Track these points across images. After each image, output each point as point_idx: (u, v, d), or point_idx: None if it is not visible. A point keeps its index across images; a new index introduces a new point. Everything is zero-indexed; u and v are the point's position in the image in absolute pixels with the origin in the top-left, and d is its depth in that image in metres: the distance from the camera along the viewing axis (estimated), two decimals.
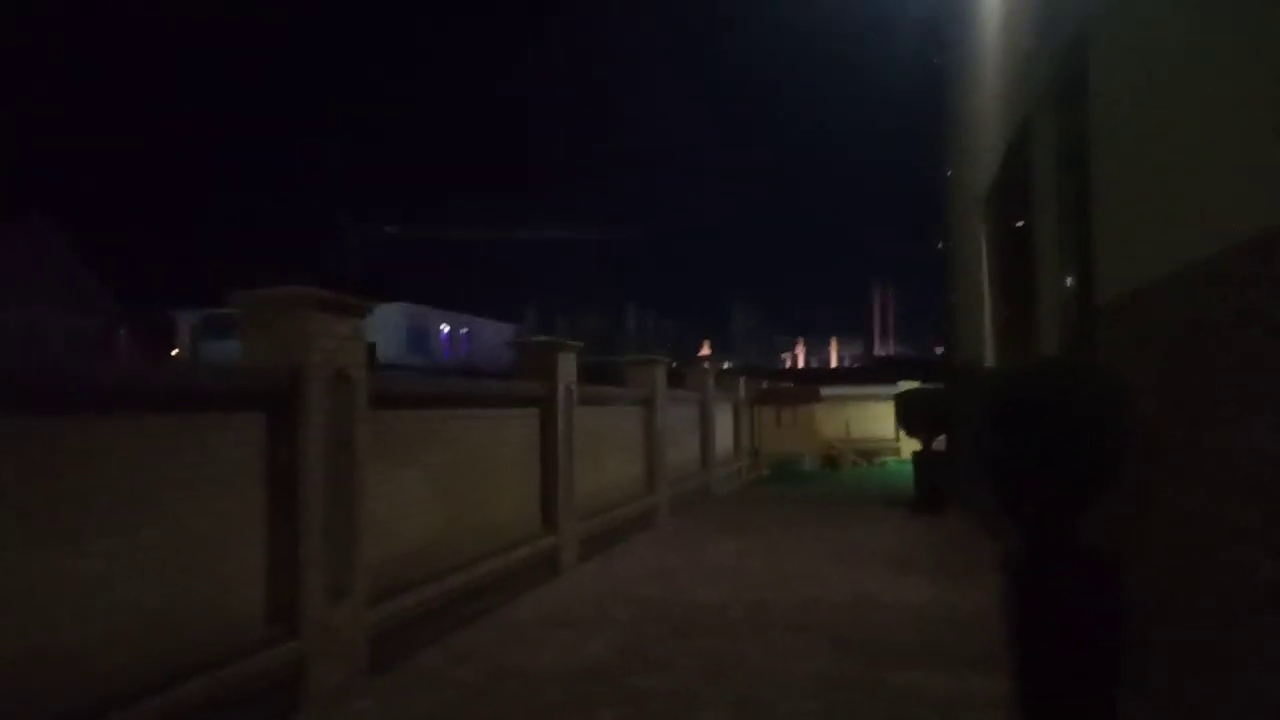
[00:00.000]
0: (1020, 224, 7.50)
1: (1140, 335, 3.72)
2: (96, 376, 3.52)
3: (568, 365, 8.22)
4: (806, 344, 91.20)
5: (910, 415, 12.53)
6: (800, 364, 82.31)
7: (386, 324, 42.62)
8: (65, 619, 3.23)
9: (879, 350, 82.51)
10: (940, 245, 14.63)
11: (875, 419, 20.25)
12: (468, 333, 54.49)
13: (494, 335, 51.47)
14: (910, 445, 13.20)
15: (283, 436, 4.44)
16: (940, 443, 12.34)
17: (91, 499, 3.37)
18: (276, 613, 4.36)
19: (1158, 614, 3.49)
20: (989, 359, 9.37)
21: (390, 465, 5.42)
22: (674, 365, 14.10)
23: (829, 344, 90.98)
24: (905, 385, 16.55)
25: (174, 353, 42.46)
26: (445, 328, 52.44)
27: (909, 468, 12.68)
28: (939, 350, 20.98)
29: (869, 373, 41.30)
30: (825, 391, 20.44)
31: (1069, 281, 5.62)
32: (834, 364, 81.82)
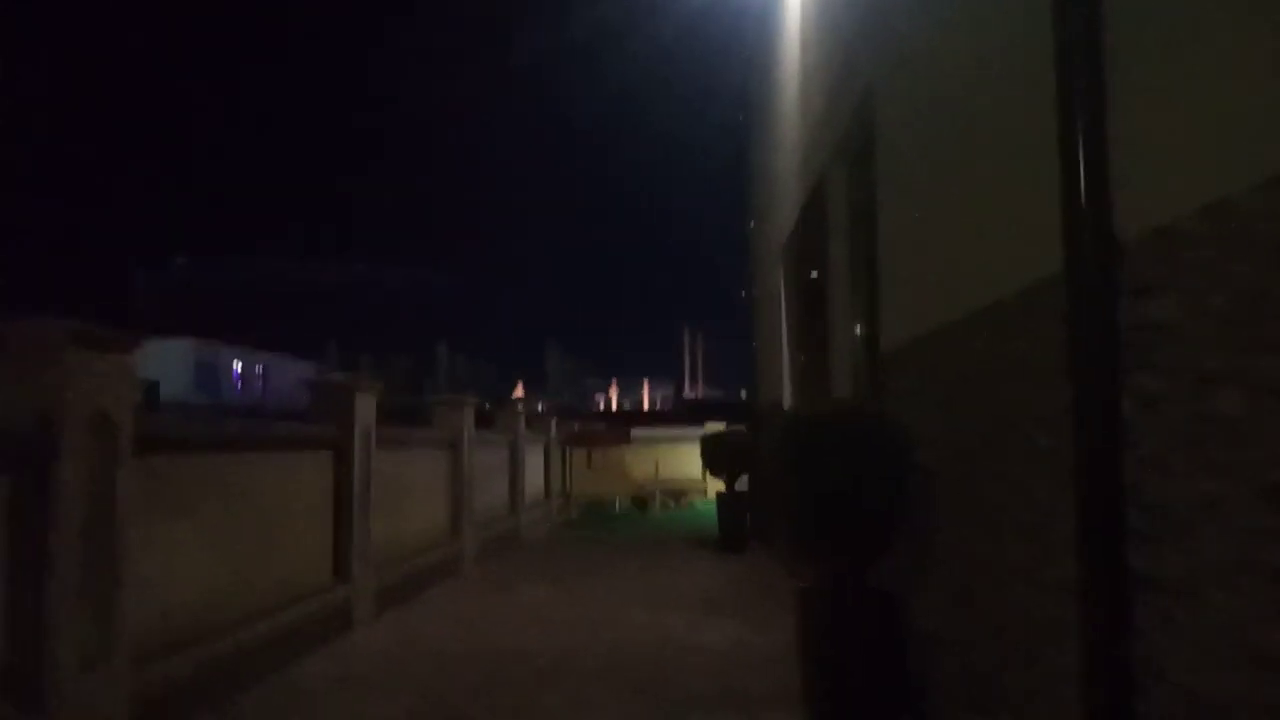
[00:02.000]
0: (815, 275, 7.88)
1: (920, 383, 3.94)
2: None
3: (366, 406, 7.84)
4: (620, 385, 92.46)
5: (714, 456, 12.85)
6: (614, 405, 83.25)
7: (172, 360, 39.70)
8: None
9: (689, 393, 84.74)
10: (744, 293, 15.22)
11: (683, 460, 20.64)
12: (263, 370, 51.54)
13: (293, 373, 48.93)
14: (716, 485, 13.52)
15: (29, 487, 3.92)
16: (743, 483, 12.71)
17: None
18: (13, 686, 3.81)
19: (942, 650, 3.65)
20: (787, 402, 9.76)
21: (161, 515, 4.92)
22: (485, 406, 13.84)
23: (641, 385, 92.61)
24: (711, 427, 16.98)
25: None
26: (238, 365, 49.37)
27: (714, 508, 12.97)
28: (744, 394, 21.75)
29: (678, 414, 42.27)
30: (636, 433, 20.68)
31: (858, 329, 5.93)
32: (645, 406, 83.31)
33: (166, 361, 37.45)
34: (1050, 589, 2.59)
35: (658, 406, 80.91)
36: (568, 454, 18.78)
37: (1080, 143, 2.25)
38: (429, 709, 5.11)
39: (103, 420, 4.30)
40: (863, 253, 5.61)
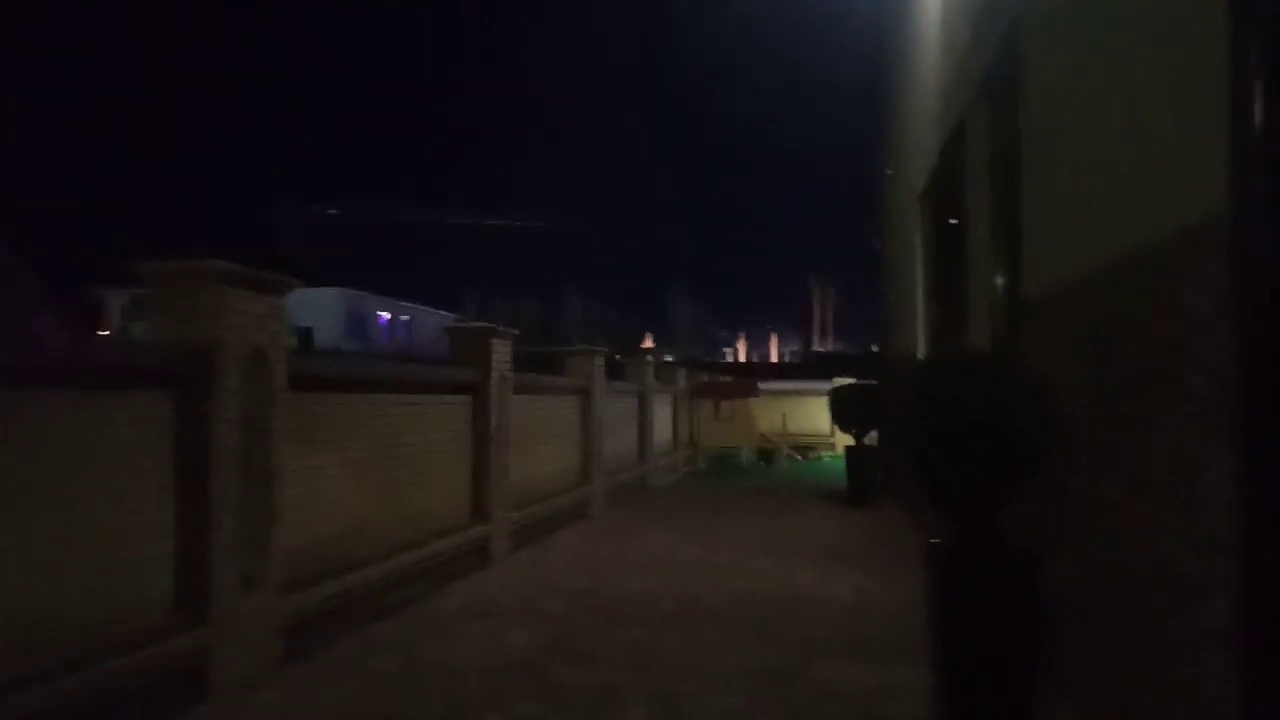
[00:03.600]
0: (954, 221, 7.58)
1: (1064, 329, 3.75)
2: None
3: (502, 352, 8.08)
4: (748, 338, 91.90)
5: (843, 410, 12.65)
6: (741, 358, 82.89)
7: (325, 309, 41.87)
8: None
9: (817, 346, 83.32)
10: (877, 243, 14.78)
11: (811, 414, 20.40)
12: (408, 320, 53.75)
13: (434, 323, 50.80)
14: (845, 440, 13.34)
15: (193, 418, 4.24)
16: (873, 438, 12.48)
17: None
18: (183, 601, 4.18)
19: (1078, 606, 3.52)
20: (920, 354, 9.48)
21: (312, 449, 5.24)
22: (614, 356, 14.04)
23: (770, 339, 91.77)
24: (840, 381, 16.70)
25: (103, 333, 41.08)
26: (385, 314, 51.64)
27: (843, 462, 12.81)
28: (875, 347, 21.24)
29: (807, 368, 41.75)
30: (763, 386, 20.53)
31: (999, 278, 5.68)
32: (774, 359, 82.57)
33: (320, 309, 39.57)
34: (1199, 544, 2.44)
35: (786, 359, 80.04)
36: (695, 405, 18.85)
37: (1255, 70, 2.05)
38: (559, 642, 5.30)
39: (258, 357, 4.60)
40: (1006, 196, 5.35)
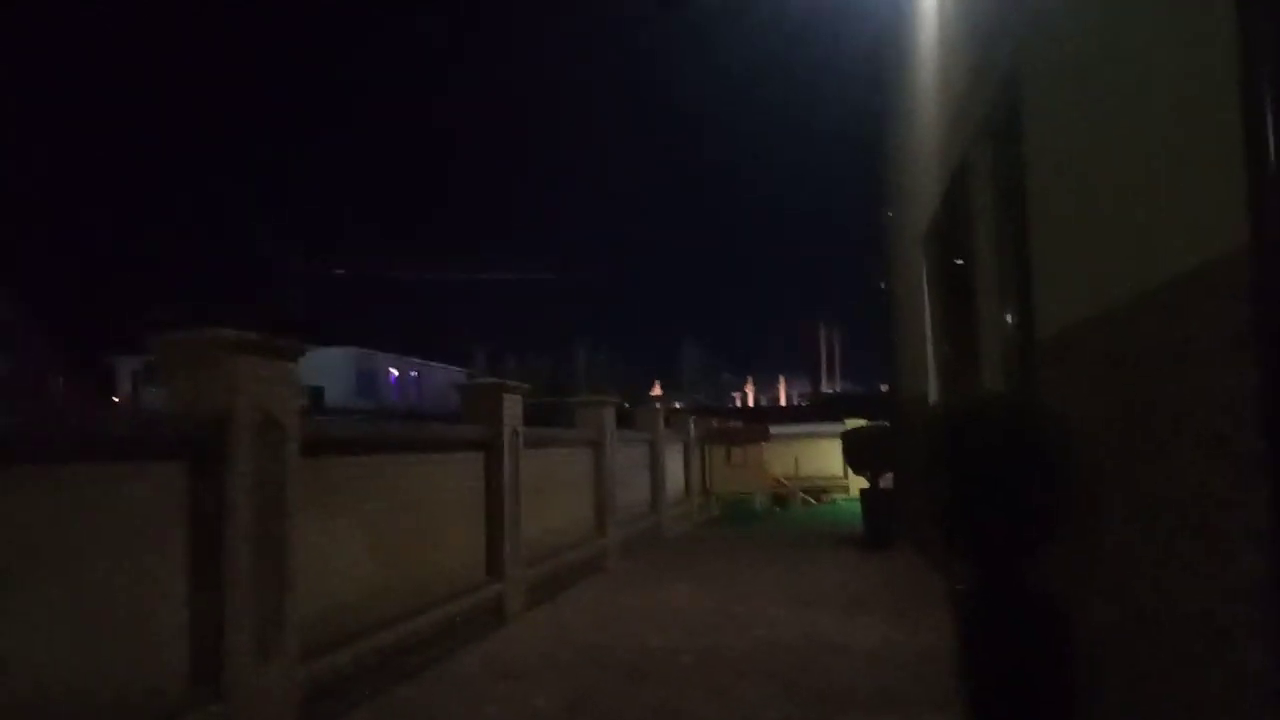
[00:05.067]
0: (959, 261, 7.59)
1: (1080, 370, 3.72)
2: None
3: (513, 407, 8.07)
4: (755, 382, 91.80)
5: (856, 452, 12.56)
6: (750, 402, 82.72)
7: (335, 368, 42.01)
8: None
9: (826, 387, 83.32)
10: (882, 284, 14.81)
11: (824, 456, 20.29)
12: (417, 376, 53.88)
13: (443, 378, 50.96)
14: (858, 482, 13.23)
15: (207, 487, 4.22)
16: (888, 480, 12.37)
17: None
18: (200, 674, 4.12)
19: (1109, 653, 3.44)
20: (932, 396, 9.44)
21: (325, 514, 5.21)
22: (624, 405, 14.00)
23: (777, 382, 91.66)
24: (852, 422, 16.62)
25: (114, 399, 41.20)
26: (394, 371, 51.79)
27: (857, 505, 12.68)
28: (884, 387, 21.19)
29: (816, 410, 41.62)
30: (774, 430, 20.44)
31: (1009, 318, 5.67)
32: (783, 402, 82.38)
33: (330, 368, 39.67)
34: (1231, 587, 2.39)
35: (794, 402, 79.86)
36: (707, 452, 18.76)
37: (1269, 103, 2.05)
38: (582, 701, 5.20)
39: (270, 423, 4.59)
40: (1012, 236, 5.36)
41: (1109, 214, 3.33)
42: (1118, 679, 3.40)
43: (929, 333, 9.62)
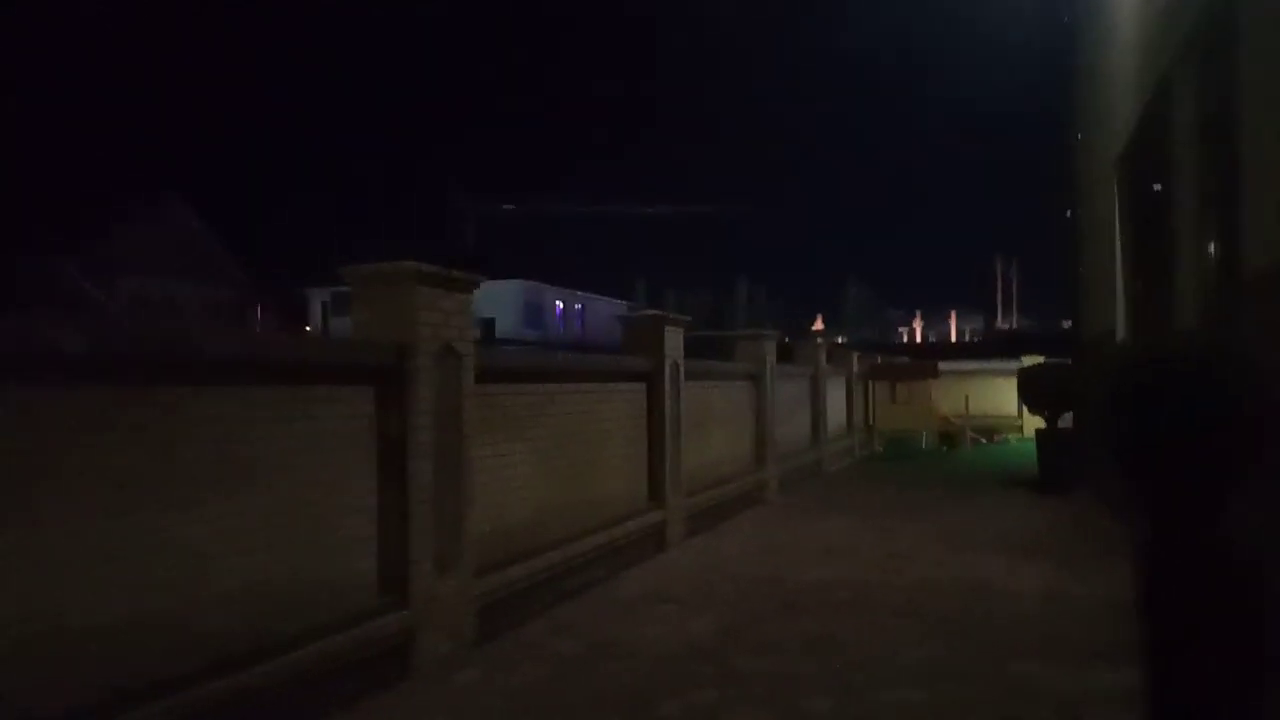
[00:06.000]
0: (1157, 188, 6.99)
1: None
2: (206, 347, 3.62)
3: (675, 340, 8.16)
4: (924, 317, 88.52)
5: (1034, 392, 11.95)
6: (918, 338, 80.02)
7: (504, 300, 43.56)
8: (176, 584, 3.35)
9: (1000, 324, 79.27)
10: (1069, 213, 13.84)
11: (996, 395, 19.48)
12: (581, 309, 55.16)
13: (606, 311, 51.90)
14: (1034, 423, 12.62)
15: (391, 410, 4.52)
16: (1066, 420, 11.75)
17: (204, 468, 3.49)
18: (387, 583, 4.47)
19: None
20: (1120, 334, 8.83)
21: (497, 439, 5.48)
22: (785, 340, 13.86)
23: (948, 317, 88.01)
24: (1029, 360, 15.80)
25: (306, 328, 44.40)
26: (559, 304, 53.20)
27: (1032, 446, 12.13)
28: (1065, 324, 19.94)
29: (990, 347, 39.81)
30: (944, 366, 19.72)
31: (1212, 249, 5.20)
32: (953, 338, 79.20)
33: (499, 300, 41.18)
34: None
35: (966, 338, 76.61)
36: (870, 388, 18.36)
37: None
38: (737, 628, 5.31)
39: (448, 351, 4.84)
40: (1219, 161, 4.88)
41: None
42: None
43: (1119, 265, 8.97)
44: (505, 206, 67.35)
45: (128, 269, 30.41)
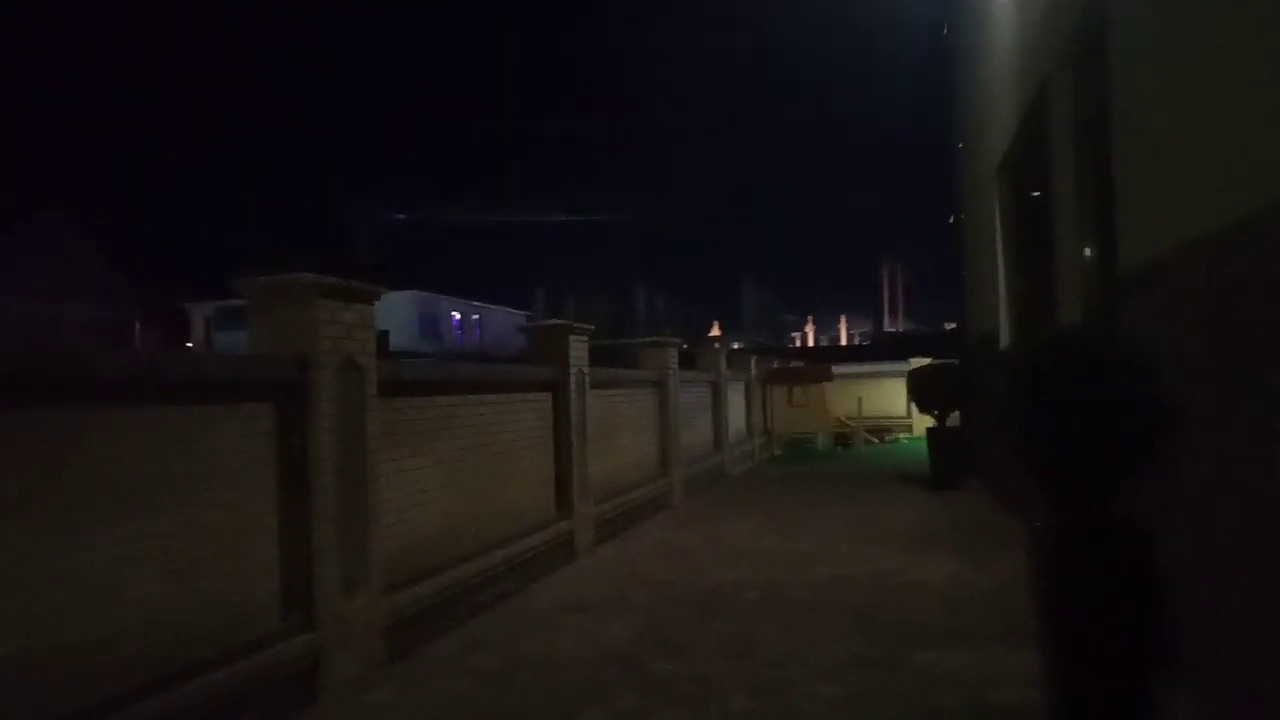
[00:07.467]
0: (1036, 193, 7.35)
1: (1169, 302, 3.61)
2: (98, 367, 3.42)
3: (579, 349, 8.13)
4: (816, 322, 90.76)
5: (924, 391, 12.41)
6: (810, 342, 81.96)
7: (398, 311, 42.60)
8: (69, 614, 3.16)
9: (889, 327, 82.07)
10: (952, 219, 14.44)
11: (887, 396, 20.11)
12: (479, 319, 54.46)
13: (504, 321, 51.45)
14: (924, 422, 13.09)
15: (292, 426, 4.36)
16: (954, 419, 12.22)
17: (96, 492, 3.29)
18: (291, 604, 4.30)
19: (1198, 593, 3.39)
20: (1005, 333, 9.24)
21: (402, 452, 5.35)
22: (685, 347, 13.99)
23: (839, 322, 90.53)
24: (917, 361, 16.39)
25: (188, 345, 42.51)
26: (456, 315, 52.40)
27: (922, 444, 12.58)
28: (950, 326, 20.78)
29: (880, 349, 41.06)
30: (837, 369, 20.27)
31: (1089, 250, 5.49)
32: (844, 342, 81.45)
33: (394, 312, 40.24)
34: None
35: (856, 341, 78.89)
36: (768, 392, 18.72)
37: None
38: (652, 634, 5.32)
39: (350, 364, 4.70)
40: (1094, 166, 5.16)
41: (1202, 140, 3.18)
42: (1211, 617, 3.35)
43: (1002, 268, 9.39)
44: (398, 216, 66.02)
45: None
